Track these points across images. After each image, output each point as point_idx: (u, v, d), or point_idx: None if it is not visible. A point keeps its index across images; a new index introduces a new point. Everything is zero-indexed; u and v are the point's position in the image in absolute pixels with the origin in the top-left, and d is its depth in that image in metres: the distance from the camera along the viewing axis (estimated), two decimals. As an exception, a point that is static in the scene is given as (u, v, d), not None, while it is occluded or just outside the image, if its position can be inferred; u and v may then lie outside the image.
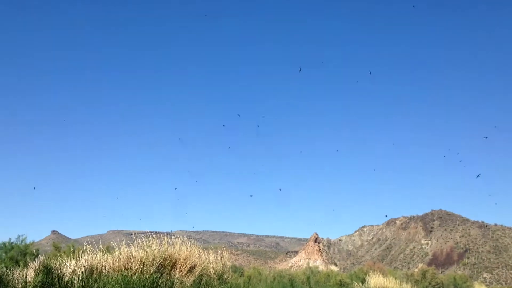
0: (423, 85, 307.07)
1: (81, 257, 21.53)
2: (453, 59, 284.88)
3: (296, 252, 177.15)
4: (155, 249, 25.08)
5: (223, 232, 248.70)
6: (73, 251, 25.34)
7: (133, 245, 25.68)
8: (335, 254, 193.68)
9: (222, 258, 30.45)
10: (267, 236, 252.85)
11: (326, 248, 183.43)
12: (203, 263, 27.84)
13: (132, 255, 24.46)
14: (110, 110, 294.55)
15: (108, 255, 24.13)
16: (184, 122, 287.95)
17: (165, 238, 27.20)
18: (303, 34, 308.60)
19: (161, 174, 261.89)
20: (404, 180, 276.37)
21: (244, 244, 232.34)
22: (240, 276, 42.67)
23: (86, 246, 24.67)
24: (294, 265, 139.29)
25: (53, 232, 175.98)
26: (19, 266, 21.20)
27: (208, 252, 30.28)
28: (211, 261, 29.53)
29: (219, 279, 27.75)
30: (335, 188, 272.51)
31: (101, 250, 24.32)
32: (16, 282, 16.43)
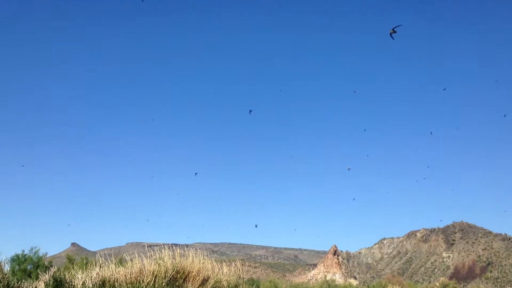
0: (443, 101, 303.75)
1: (93, 270, 21.47)
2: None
3: (315, 265, 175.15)
4: (167, 261, 24.91)
5: (241, 244, 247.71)
6: (86, 264, 25.31)
7: (149, 257, 25.58)
8: (355, 267, 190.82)
9: (236, 271, 30.13)
10: (286, 249, 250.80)
11: (345, 261, 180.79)
12: (217, 275, 27.56)
13: (144, 268, 24.32)
14: (129, 126, 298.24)
15: (121, 267, 24.05)
16: (208, 139, 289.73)
17: (178, 250, 27.05)
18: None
19: (180, 187, 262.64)
20: (424, 191, 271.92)
21: (262, 256, 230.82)
22: (252, 286, 42.23)
23: (99, 258, 24.62)
24: (313, 278, 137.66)
25: (73, 244, 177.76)
26: (31, 278, 21.24)
27: (222, 265, 30.00)
28: (225, 273, 29.24)
29: (232, 291, 27.39)
30: (354, 200, 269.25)
31: (113, 263, 24.25)
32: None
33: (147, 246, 27.12)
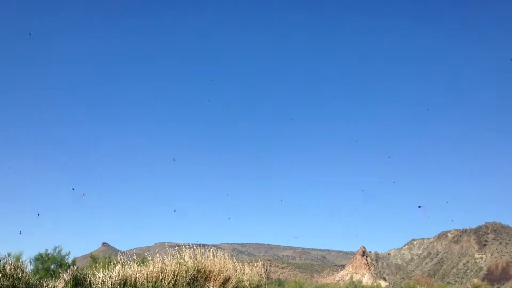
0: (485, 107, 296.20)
1: (114, 269, 21.64)
2: None
3: (343, 266, 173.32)
4: (188, 260, 24.95)
5: (268, 245, 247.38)
6: (109, 263, 25.55)
7: (169, 256, 25.67)
8: (384, 268, 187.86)
9: (258, 271, 29.94)
10: (313, 249, 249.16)
11: (374, 262, 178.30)
12: (238, 275, 27.44)
13: (166, 267, 24.43)
14: (159, 125, 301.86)
15: (142, 266, 24.21)
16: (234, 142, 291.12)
17: (199, 250, 27.04)
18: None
19: (207, 187, 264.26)
20: (456, 191, 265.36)
21: (290, 257, 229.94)
22: (279, 287, 41.94)
23: (120, 257, 24.82)
24: (341, 279, 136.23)
25: (104, 244, 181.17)
26: (54, 277, 21.54)
27: (244, 265, 29.85)
28: (247, 273, 29.09)
29: (254, 291, 27.20)
30: (382, 200, 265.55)
31: (135, 262, 24.43)
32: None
33: (173, 246, 27.33)
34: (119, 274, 21.39)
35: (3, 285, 14.62)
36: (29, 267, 27.66)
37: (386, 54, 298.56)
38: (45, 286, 17.73)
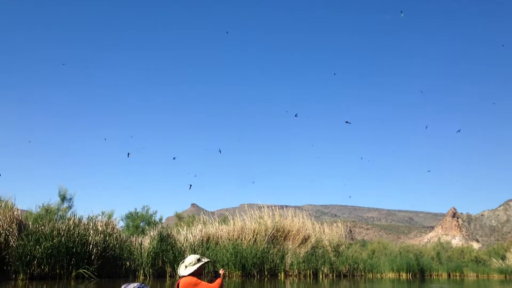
0: None
1: (195, 227, 22.87)
2: None
3: (432, 228, 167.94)
4: (267, 220, 25.65)
5: (352, 206, 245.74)
6: (193, 221, 26.95)
7: (249, 216, 26.54)
8: (477, 230, 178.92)
9: (338, 231, 30.00)
10: (399, 211, 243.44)
11: (466, 223, 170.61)
12: (317, 235, 27.76)
13: (246, 226, 25.35)
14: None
15: (224, 225, 25.34)
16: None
17: (277, 211, 27.61)
18: None
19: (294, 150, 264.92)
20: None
21: (375, 218, 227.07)
22: (363, 247, 41.75)
23: (203, 217, 26.08)
24: (429, 241, 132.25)
25: (193, 205, 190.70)
26: (143, 234, 23.22)
27: (323, 225, 30.04)
28: (326, 233, 29.33)
29: (334, 251, 27.47)
30: (475, 158, 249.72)
31: (217, 221, 25.58)
32: (136, 247, 18.12)
33: (254, 207, 28.16)
34: (201, 232, 22.54)
35: (95, 241, 16.15)
36: (120, 225, 30.17)
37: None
38: (133, 242, 19.26)
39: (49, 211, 21.98)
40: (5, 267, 13.51)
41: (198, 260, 5.09)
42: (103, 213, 24.05)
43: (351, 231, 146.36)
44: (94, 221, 17.37)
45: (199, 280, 4.92)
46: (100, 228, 17.01)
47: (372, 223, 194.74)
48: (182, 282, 4.91)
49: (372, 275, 27.93)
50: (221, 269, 5.36)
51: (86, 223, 16.83)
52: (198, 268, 5.03)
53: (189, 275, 4.96)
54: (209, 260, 5.41)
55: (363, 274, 26.94)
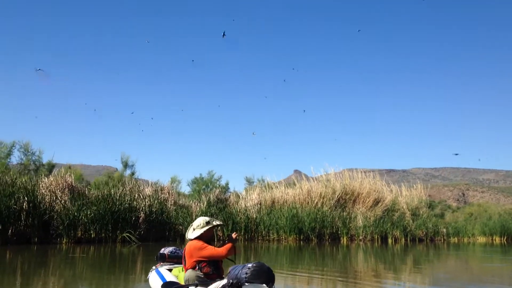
0: None
1: (254, 191, 22.53)
2: None
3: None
4: (334, 183, 24.48)
5: (465, 168, 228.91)
6: (261, 186, 26.71)
7: (315, 179, 25.61)
8: None
9: (417, 193, 27.74)
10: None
11: None
12: (392, 198, 25.96)
13: (312, 189, 24.47)
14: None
15: (289, 189, 24.73)
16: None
17: (346, 173, 26.21)
18: None
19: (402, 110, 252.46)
20: None
21: (492, 181, 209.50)
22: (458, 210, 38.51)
23: (268, 181, 25.54)
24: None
25: (295, 171, 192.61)
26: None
27: (401, 187, 27.95)
28: (404, 196, 27.31)
29: (413, 214, 25.53)
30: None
31: (283, 185, 25.03)
32: (195, 210, 18.37)
33: (342, 169, 27.10)
34: (259, 196, 22.06)
35: (141, 206, 16.53)
36: (186, 190, 31.10)
37: None
38: (190, 205, 19.53)
39: (111, 177, 23.10)
40: (51, 231, 14.29)
41: (207, 223, 4.59)
42: (172, 179, 24.73)
43: (464, 194, 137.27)
44: (139, 187, 17.79)
45: (205, 244, 4.42)
46: (149, 193, 17.36)
47: (489, 185, 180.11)
48: (187, 246, 4.48)
49: (458, 239, 25.49)
50: (234, 233, 4.72)
51: (131, 187, 17.31)
52: (207, 231, 4.54)
53: (196, 238, 4.49)
54: (220, 223, 4.88)
55: (445, 238, 24.66)
